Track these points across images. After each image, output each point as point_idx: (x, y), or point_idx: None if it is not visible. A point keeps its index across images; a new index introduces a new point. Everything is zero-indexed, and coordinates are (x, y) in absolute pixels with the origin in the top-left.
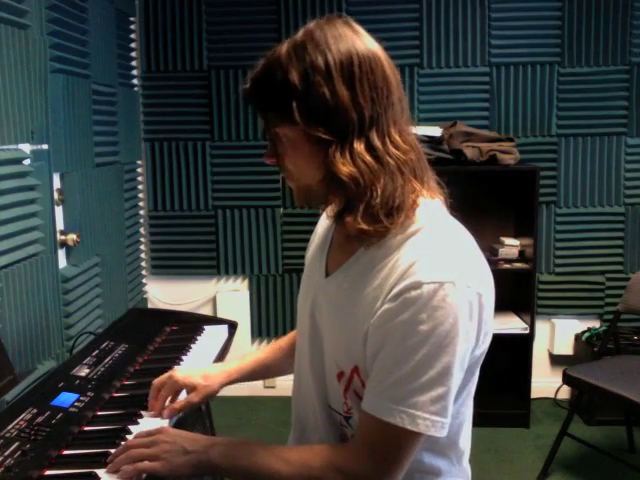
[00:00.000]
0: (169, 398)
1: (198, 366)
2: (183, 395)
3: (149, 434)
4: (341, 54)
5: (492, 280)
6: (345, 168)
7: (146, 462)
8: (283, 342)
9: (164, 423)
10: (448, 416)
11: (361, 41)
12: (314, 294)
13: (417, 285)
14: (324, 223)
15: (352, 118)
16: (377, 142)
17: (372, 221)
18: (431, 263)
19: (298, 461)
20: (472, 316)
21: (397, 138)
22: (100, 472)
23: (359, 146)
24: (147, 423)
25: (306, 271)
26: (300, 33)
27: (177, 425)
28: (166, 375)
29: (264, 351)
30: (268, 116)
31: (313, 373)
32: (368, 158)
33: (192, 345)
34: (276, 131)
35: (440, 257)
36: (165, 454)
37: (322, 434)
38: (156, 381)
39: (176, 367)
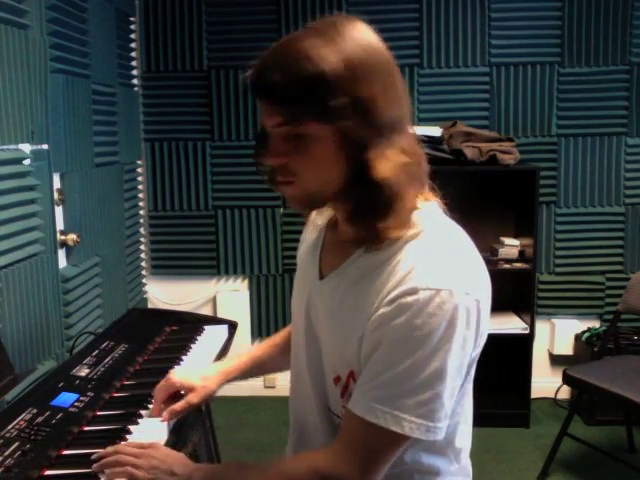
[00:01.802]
0: (168, 400)
1: (198, 366)
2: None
3: (141, 446)
4: (370, 53)
5: (489, 282)
6: (381, 171)
7: (134, 470)
8: (278, 338)
9: (164, 424)
10: (436, 420)
11: (380, 45)
12: (309, 296)
13: (413, 291)
14: (315, 223)
15: (385, 120)
16: (401, 145)
17: (400, 226)
18: (429, 270)
19: (276, 470)
20: (470, 322)
21: (410, 141)
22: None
23: (389, 149)
24: (147, 423)
25: (299, 272)
26: (322, 25)
27: (177, 425)
28: (164, 378)
29: (260, 348)
30: (291, 112)
31: (311, 376)
32: (398, 161)
33: (192, 345)
34: (297, 130)
35: (438, 264)
36: (153, 470)
37: (321, 437)
38: (158, 385)
39: (173, 369)
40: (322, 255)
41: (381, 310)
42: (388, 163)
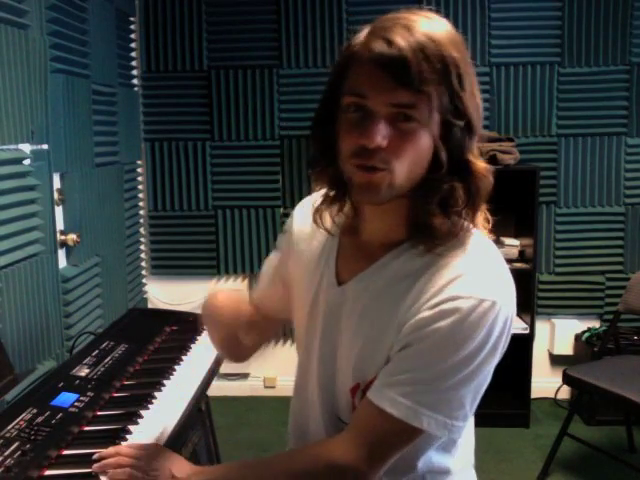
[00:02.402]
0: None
1: (197, 366)
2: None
3: (141, 448)
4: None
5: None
6: (480, 166)
7: (134, 471)
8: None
9: (164, 423)
10: (454, 418)
11: None
12: (326, 304)
13: (455, 298)
14: (321, 232)
15: (477, 116)
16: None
17: (452, 224)
18: (473, 279)
19: (281, 462)
20: (503, 334)
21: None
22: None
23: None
24: (147, 423)
25: (303, 281)
26: (431, 17)
27: (178, 425)
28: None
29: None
30: (419, 96)
31: (321, 384)
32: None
33: (192, 345)
34: (416, 114)
35: (482, 274)
36: (153, 472)
37: None
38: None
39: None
40: (338, 261)
41: (420, 315)
42: (481, 161)
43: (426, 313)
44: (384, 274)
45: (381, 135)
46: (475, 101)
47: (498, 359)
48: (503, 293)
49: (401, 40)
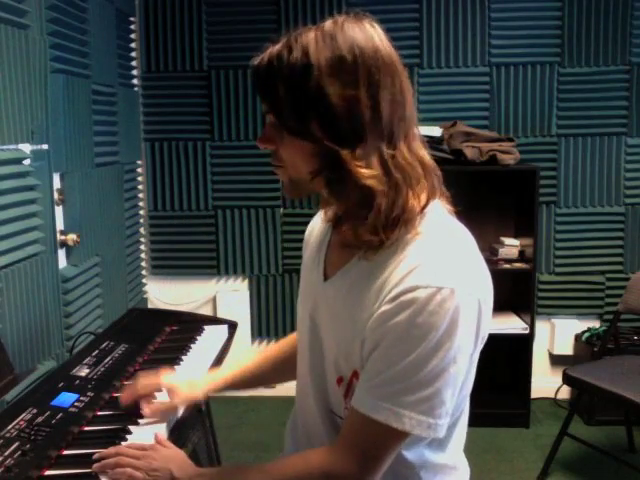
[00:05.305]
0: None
1: (198, 366)
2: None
3: (142, 448)
4: (366, 59)
5: (491, 284)
6: (358, 174)
7: (134, 471)
8: (272, 351)
9: (164, 424)
10: (437, 416)
11: (384, 49)
12: (314, 298)
13: (413, 289)
14: (320, 224)
15: (367, 126)
16: (386, 154)
17: (374, 232)
18: (431, 268)
19: (278, 469)
20: (471, 323)
21: (405, 153)
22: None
23: (370, 156)
24: (147, 423)
25: (304, 274)
26: (328, 23)
27: (177, 425)
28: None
29: (254, 359)
30: (269, 101)
31: (313, 378)
32: (378, 168)
33: (192, 345)
34: (279, 119)
35: (440, 263)
36: (153, 472)
37: (325, 439)
38: (142, 378)
39: (165, 374)
40: (327, 255)
41: (382, 308)
42: (364, 169)
43: (387, 306)
44: (357, 270)
45: (261, 139)
46: (338, 98)
47: (474, 348)
48: (464, 279)
49: (264, 53)
